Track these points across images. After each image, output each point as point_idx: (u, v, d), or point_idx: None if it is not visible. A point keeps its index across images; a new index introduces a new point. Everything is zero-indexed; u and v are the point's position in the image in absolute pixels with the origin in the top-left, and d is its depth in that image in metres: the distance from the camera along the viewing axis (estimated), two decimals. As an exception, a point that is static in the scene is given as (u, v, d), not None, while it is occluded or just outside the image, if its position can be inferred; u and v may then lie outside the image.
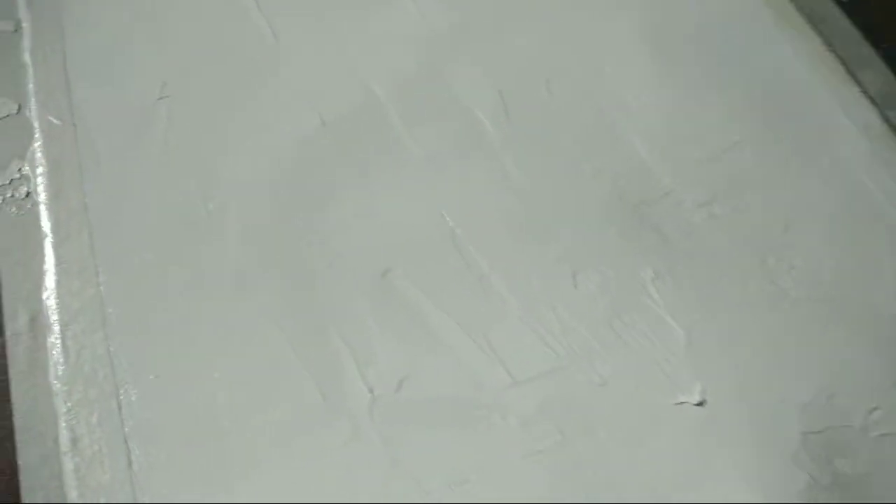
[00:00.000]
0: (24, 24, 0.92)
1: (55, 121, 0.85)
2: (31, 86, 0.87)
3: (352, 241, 0.78)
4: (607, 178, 0.82)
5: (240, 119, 0.86)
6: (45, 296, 0.75)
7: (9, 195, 0.80)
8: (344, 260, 0.77)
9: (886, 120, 0.84)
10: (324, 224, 0.79)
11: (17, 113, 0.86)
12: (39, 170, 0.82)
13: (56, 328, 0.73)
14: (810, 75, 0.87)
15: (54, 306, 0.74)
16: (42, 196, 0.80)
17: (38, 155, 0.83)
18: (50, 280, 0.75)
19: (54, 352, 0.72)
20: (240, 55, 0.90)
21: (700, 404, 0.69)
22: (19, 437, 0.69)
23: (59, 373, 0.71)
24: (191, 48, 0.90)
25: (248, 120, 0.86)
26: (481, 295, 0.75)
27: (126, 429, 0.69)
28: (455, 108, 0.87)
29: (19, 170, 0.82)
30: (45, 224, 0.78)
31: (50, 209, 0.79)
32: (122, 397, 0.70)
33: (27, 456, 0.68)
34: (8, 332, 0.73)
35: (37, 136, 0.84)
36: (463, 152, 0.84)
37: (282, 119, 0.86)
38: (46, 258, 0.76)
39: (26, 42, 0.91)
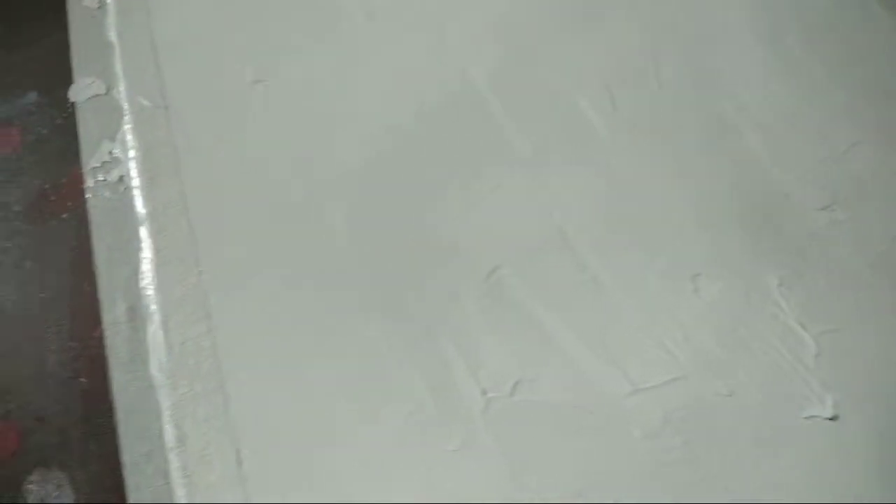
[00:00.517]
0: (109, 2, 0.89)
1: (146, 102, 0.82)
2: (118, 66, 0.84)
3: (457, 237, 0.75)
4: (724, 177, 0.78)
5: (337, 106, 0.82)
6: (143, 284, 0.72)
7: (100, 178, 0.78)
8: (449, 257, 0.74)
9: None
10: (427, 219, 0.76)
11: (105, 94, 0.83)
12: (131, 153, 0.79)
13: (157, 318, 0.71)
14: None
15: (154, 296, 0.72)
16: (136, 181, 0.77)
17: (129, 137, 0.80)
18: (148, 268, 0.73)
19: (156, 343, 0.70)
20: (333, 37, 0.87)
21: (832, 419, 0.66)
22: (122, 433, 0.67)
23: (162, 365, 0.69)
24: (282, 30, 0.87)
25: (346, 107, 0.82)
26: (595, 297, 0.72)
27: (234, 426, 0.67)
28: (558, 99, 0.83)
29: (110, 152, 0.79)
30: (141, 210, 0.76)
31: (145, 195, 0.76)
32: (228, 392, 0.68)
33: (132, 453, 0.66)
34: (106, 321, 0.71)
35: (126, 118, 0.81)
36: (569, 145, 0.81)
37: (379, 107, 0.82)
38: (143, 245, 0.74)
39: (111, 20, 0.88)
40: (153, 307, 0.71)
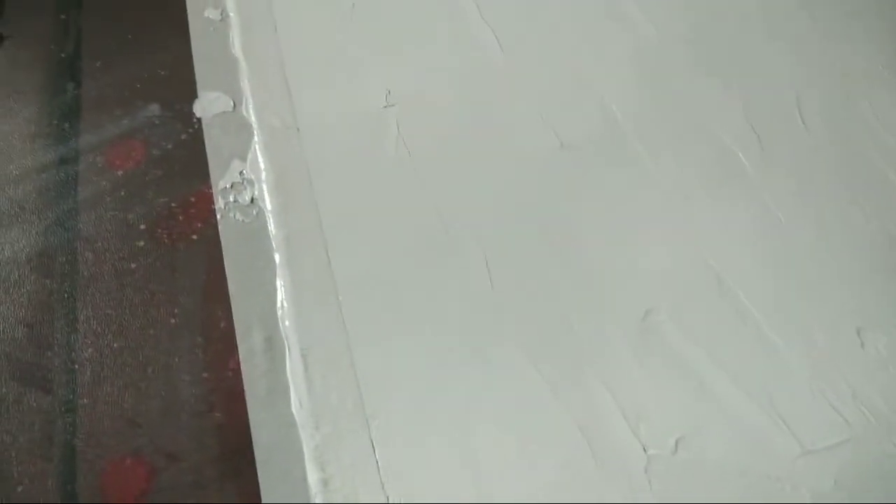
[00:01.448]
0: (231, 14, 0.86)
1: (276, 122, 0.79)
2: (245, 82, 0.81)
3: (606, 276, 0.72)
4: (879, 224, 0.75)
5: (473, 135, 0.79)
6: (280, 314, 0.68)
7: (231, 199, 0.74)
8: (600, 297, 0.71)
9: None
10: (572, 258, 0.73)
11: (232, 110, 0.80)
12: (264, 175, 0.75)
13: (296, 350, 0.67)
14: None
15: (291, 326, 0.68)
16: (269, 204, 0.73)
17: (261, 159, 0.76)
18: (285, 297, 0.69)
19: (295, 377, 0.66)
20: (466, 65, 0.84)
21: None
22: (262, 475, 0.62)
23: (303, 402, 0.65)
24: (413, 54, 0.84)
25: (482, 136, 0.79)
26: (759, 349, 0.69)
27: (381, 471, 0.63)
28: (701, 135, 0.81)
29: (241, 172, 0.76)
30: (276, 235, 0.72)
31: (279, 220, 0.73)
32: (374, 434, 0.64)
33: (272, 495, 0.62)
34: (242, 352, 0.67)
35: (256, 137, 0.78)
36: (717, 184, 0.78)
37: (517, 138, 0.79)
38: (279, 273, 0.70)
39: (235, 33, 0.85)
40: (291, 338, 0.68)
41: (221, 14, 0.86)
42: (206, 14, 0.86)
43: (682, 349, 0.68)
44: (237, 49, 0.84)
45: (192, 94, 0.80)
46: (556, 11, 0.88)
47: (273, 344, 0.68)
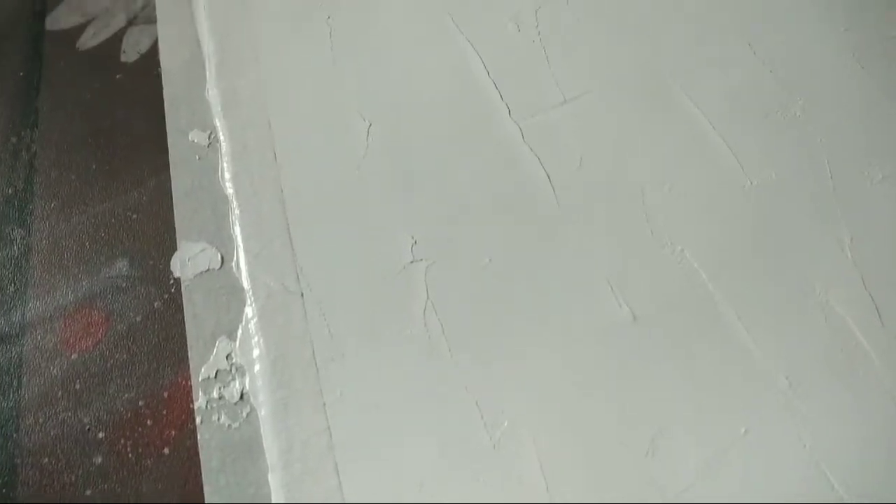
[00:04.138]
0: (222, 138, 0.71)
1: (275, 285, 0.63)
2: (237, 230, 0.66)
3: (702, 484, 0.56)
4: None
5: (519, 300, 0.63)
6: (276, 567, 0.52)
7: (215, 395, 0.58)
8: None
9: None
10: (661, 457, 0.57)
11: (220, 268, 0.64)
12: (257, 361, 0.59)
13: None
14: None
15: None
16: (265, 405, 0.57)
17: (255, 337, 0.60)
18: (283, 542, 0.53)
19: None
20: (507, 209, 0.68)
21: None
22: None
23: None
24: (441, 194, 0.68)
25: (529, 301, 0.63)
26: None
27: None
28: (808, 304, 0.65)
29: (228, 356, 0.60)
30: (272, 448, 0.56)
31: (277, 426, 0.56)
32: None
33: None
34: None
35: (249, 306, 0.62)
36: (830, 371, 0.62)
37: (576, 308, 0.63)
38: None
39: (226, 163, 0.69)
40: None
41: (210, 138, 0.71)
42: (190, 137, 0.70)
43: None
44: (228, 184, 0.68)
45: (171, 246, 0.65)
46: (612, 140, 0.73)
47: None
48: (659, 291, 0.64)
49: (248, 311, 0.61)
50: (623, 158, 0.71)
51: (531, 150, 0.70)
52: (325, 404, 0.57)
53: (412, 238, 0.65)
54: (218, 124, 0.71)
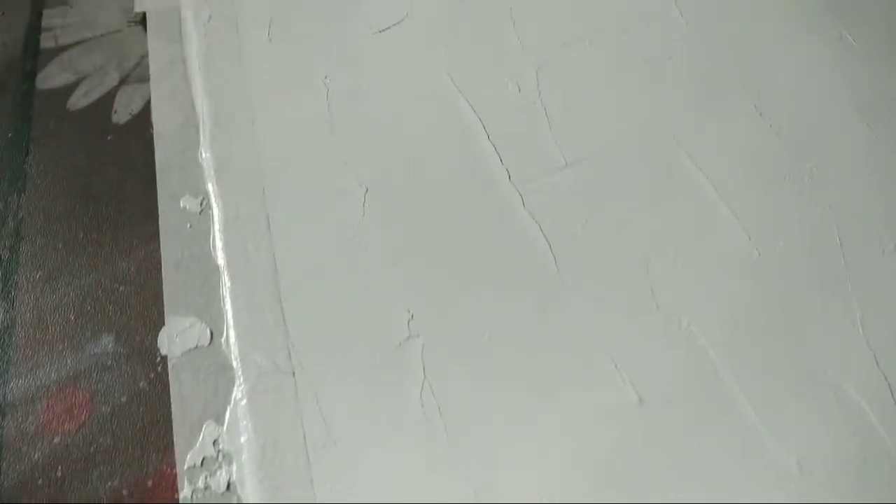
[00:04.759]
0: (215, 205, 0.69)
1: (266, 364, 0.61)
2: (227, 303, 0.63)
3: None
4: None
5: (521, 383, 0.61)
6: None
7: (201, 485, 0.55)
8: None
9: None
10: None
11: (209, 345, 0.62)
12: (245, 448, 0.57)
13: None
14: None
15: None
16: (252, 496, 0.55)
17: (243, 421, 0.58)
18: None
19: None
20: (508, 284, 0.66)
21: None
22: None
23: None
24: (440, 267, 0.66)
25: (530, 382, 0.61)
26: None
27: None
28: (822, 386, 0.62)
29: (215, 442, 0.57)
30: (260, 547, 0.54)
31: (266, 522, 0.54)
32: None
33: None
34: None
35: (238, 386, 0.60)
36: (846, 457, 0.59)
37: (580, 390, 0.61)
38: None
39: (219, 231, 0.67)
40: None
41: (202, 204, 0.69)
42: (182, 203, 0.68)
43: None
44: (219, 254, 0.66)
45: (159, 320, 0.62)
46: (616, 206, 0.71)
47: None
48: (665, 370, 0.61)
49: (237, 392, 0.59)
50: (627, 226, 0.69)
51: (532, 217, 0.68)
52: (315, 496, 0.55)
53: (409, 312, 0.63)
54: (210, 190, 0.69)
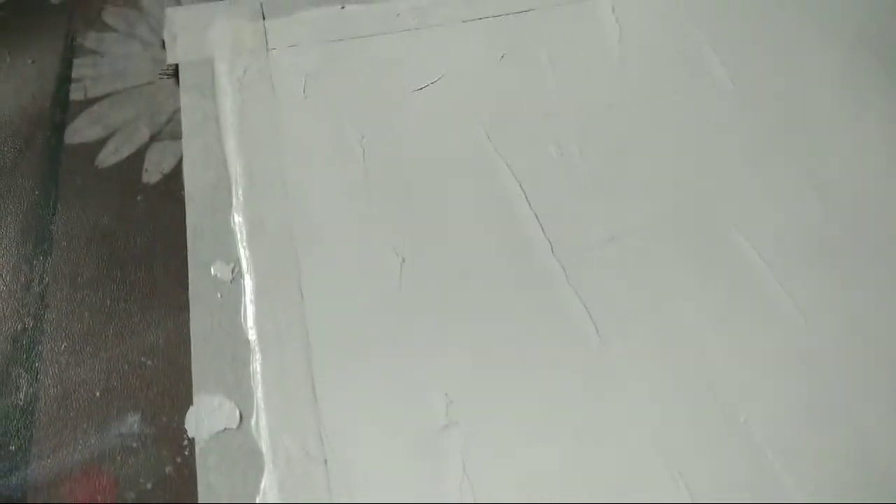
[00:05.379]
0: (247, 274, 0.66)
1: (296, 450, 0.58)
2: (258, 382, 0.61)
3: None
4: None
5: (569, 478, 0.58)
6: None
7: (229, 583, 0.53)
8: None
9: None
10: None
11: (238, 427, 0.59)
12: (276, 542, 0.54)
13: None
14: None
15: None
16: None
17: (274, 513, 0.55)
18: None
19: None
20: (555, 356, 0.63)
21: None
22: None
23: None
24: (477, 344, 0.63)
25: (578, 474, 0.58)
26: None
27: None
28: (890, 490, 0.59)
29: (244, 535, 0.55)
30: None
31: None
32: None
33: None
34: None
35: (268, 470, 0.57)
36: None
37: (627, 480, 0.57)
38: None
39: (250, 302, 0.65)
40: None
41: (233, 272, 0.66)
42: (213, 271, 0.66)
43: None
44: (249, 327, 0.64)
45: (186, 398, 0.60)
46: (664, 283, 0.68)
47: None
48: (720, 471, 0.58)
49: (266, 480, 0.56)
50: (677, 305, 0.66)
51: (576, 293, 0.65)
52: None
53: (447, 396, 0.60)
54: (242, 256, 0.66)
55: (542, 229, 0.69)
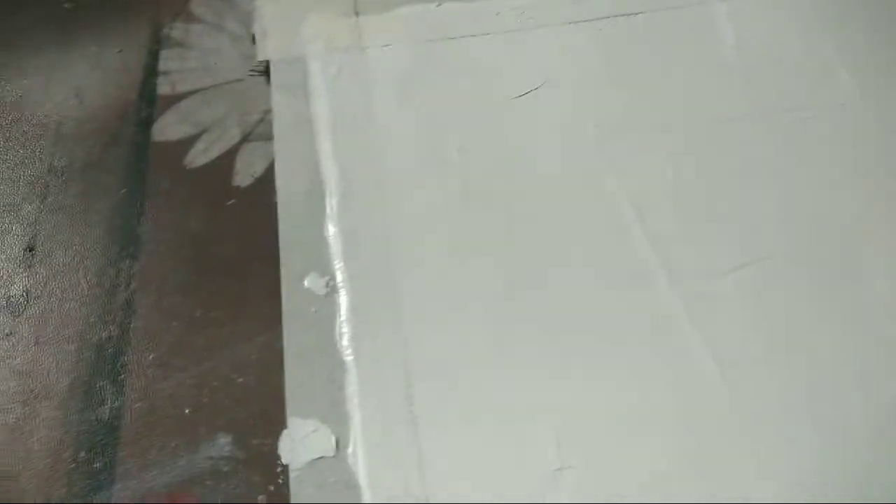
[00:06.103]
0: (342, 287, 0.62)
1: (395, 486, 0.54)
2: (355, 408, 0.57)
3: None
4: None
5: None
6: None
7: None
8: None
9: None
10: None
11: (334, 455, 0.55)
12: (375, 587, 0.51)
13: None
14: None
15: None
16: None
17: (373, 555, 0.52)
18: None
19: None
20: (673, 402, 0.58)
21: None
22: None
23: None
24: (599, 386, 0.58)
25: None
26: None
27: None
28: None
29: (341, 577, 0.51)
30: None
31: None
32: None
33: None
34: None
35: (366, 508, 0.53)
36: None
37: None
38: None
39: (345, 319, 0.61)
40: None
41: (328, 285, 0.62)
42: (306, 284, 0.62)
43: None
44: (345, 347, 0.60)
45: (279, 421, 0.56)
46: (797, 321, 0.62)
47: None
48: None
49: (366, 517, 0.52)
50: (811, 347, 0.60)
51: (698, 331, 0.60)
52: None
53: (556, 438, 0.56)
54: (337, 270, 0.63)
55: (658, 257, 0.64)
